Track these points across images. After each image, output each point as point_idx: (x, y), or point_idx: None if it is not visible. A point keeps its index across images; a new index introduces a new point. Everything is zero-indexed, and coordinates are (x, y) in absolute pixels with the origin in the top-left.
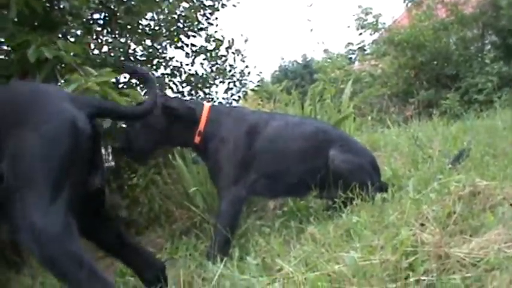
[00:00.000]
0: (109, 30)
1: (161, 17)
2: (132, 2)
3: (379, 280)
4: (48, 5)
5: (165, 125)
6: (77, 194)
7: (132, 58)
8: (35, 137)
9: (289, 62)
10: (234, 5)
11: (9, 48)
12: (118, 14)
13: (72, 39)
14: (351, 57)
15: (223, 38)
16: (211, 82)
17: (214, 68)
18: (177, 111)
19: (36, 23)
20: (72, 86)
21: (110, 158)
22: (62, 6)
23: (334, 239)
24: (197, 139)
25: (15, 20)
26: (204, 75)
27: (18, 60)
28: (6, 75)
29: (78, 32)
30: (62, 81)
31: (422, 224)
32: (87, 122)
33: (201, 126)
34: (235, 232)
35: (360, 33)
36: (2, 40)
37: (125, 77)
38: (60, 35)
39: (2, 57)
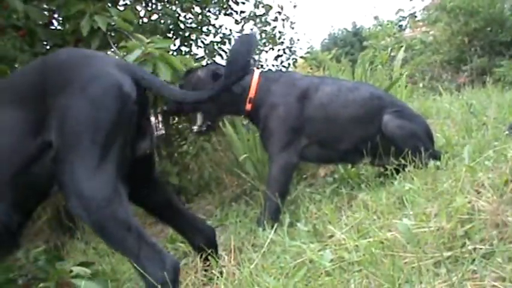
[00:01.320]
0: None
1: None
2: None
3: (434, 248)
4: None
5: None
6: (125, 159)
7: (181, 26)
8: (80, 101)
9: (339, 30)
10: None
11: (61, 18)
12: None
13: (122, 8)
14: (401, 25)
15: (272, 3)
16: (261, 49)
17: (263, 35)
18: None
19: None
20: (135, 53)
21: (160, 125)
22: None
23: (387, 206)
24: (248, 106)
25: None
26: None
27: (72, 30)
28: (60, 44)
29: (128, 1)
30: (115, 48)
31: (478, 192)
32: (133, 87)
33: (252, 93)
34: (285, 198)
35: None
36: (54, 8)
37: (174, 44)
38: (110, 4)
39: (54, 27)
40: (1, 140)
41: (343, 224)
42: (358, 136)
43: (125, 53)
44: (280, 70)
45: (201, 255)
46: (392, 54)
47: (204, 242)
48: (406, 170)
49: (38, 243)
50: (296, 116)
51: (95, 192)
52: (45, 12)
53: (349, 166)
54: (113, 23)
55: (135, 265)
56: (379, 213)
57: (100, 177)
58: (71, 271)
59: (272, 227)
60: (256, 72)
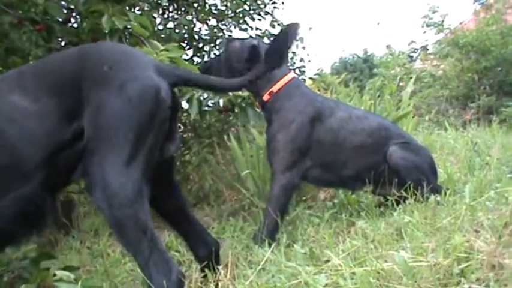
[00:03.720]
0: (175, 6)
1: None
2: None
3: (429, 283)
4: None
5: (247, 66)
6: (153, 161)
7: (196, 36)
8: (118, 97)
9: (350, 55)
10: None
11: (79, 17)
12: None
13: (139, 13)
14: (412, 56)
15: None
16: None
17: None
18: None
19: None
20: None
21: None
22: None
23: (385, 236)
24: (266, 97)
25: None
26: None
27: (89, 29)
28: (75, 42)
29: (146, 7)
30: None
31: (476, 231)
32: (169, 92)
33: (276, 87)
34: (284, 217)
35: (424, 32)
36: (72, 7)
37: (187, 54)
38: (127, 8)
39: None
40: (35, 124)
41: (340, 249)
42: (362, 164)
43: None
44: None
45: (201, 267)
46: (401, 84)
47: (208, 254)
48: (407, 202)
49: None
50: (305, 137)
51: (121, 189)
52: (64, 10)
53: (350, 192)
54: (129, 27)
55: (141, 269)
56: (377, 243)
57: (128, 175)
58: (55, 274)
59: (269, 245)
60: (292, 75)
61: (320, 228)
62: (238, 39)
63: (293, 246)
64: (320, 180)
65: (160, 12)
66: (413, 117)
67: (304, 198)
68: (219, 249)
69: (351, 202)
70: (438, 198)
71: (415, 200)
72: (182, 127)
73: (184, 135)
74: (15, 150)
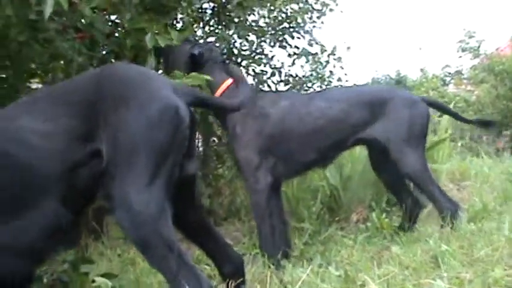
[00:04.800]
0: (217, 21)
1: (269, 14)
2: None
3: None
4: None
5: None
6: (173, 179)
7: (235, 51)
8: (139, 117)
9: (383, 75)
10: (341, 11)
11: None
12: (228, 6)
13: (179, 25)
14: (445, 80)
15: (324, 45)
16: (309, 86)
17: (314, 73)
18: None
19: (148, 6)
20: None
21: (199, 146)
22: None
23: (421, 264)
24: None
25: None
26: (304, 78)
27: (131, 46)
28: (117, 51)
29: (185, 20)
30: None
31: None
32: (187, 111)
33: (218, 93)
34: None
35: (460, 56)
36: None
37: None
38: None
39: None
40: (50, 144)
41: (376, 274)
42: (324, 146)
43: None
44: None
45: (228, 282)
46: None
47: (232, 270)
48: (442, 230)
49: None
50: (256, 136)
51: (144, 208)
52: (110, 23)
53: (383, 216)
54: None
55: (170, 285)
56: (413, 270)
57: (150, 194)
58: (93, 281)
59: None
60: (230, 80)
61: (354, 250)
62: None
63: (327, 268)
64: (288, 174)
65: (202, 25)
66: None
67: (337, 219)
68: (243, 264)
69: (384, 226)
70: (473, 227)
71: (451, 228)
72: (217, 141)
73: (218, 149)
74: (28, 170)
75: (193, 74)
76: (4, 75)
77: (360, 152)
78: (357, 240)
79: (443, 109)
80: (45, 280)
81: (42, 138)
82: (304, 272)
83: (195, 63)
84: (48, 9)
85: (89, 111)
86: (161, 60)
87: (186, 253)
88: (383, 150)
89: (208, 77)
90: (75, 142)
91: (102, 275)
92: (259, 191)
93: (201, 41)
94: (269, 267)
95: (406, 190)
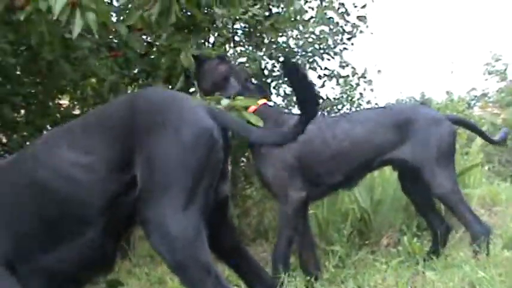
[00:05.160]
0: (248, 42)
1: (300, 36)
2: (277, 16)
3: None
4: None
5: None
6: (208, 202)
7: (265, 72)
8: (173, 141)
9: (407, 97)
10: (371, 33)
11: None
12: (260, 27)
13: (210, 45)
14: (469, 103)
15: (355, 68)
16: (339, 108)
17: (344, 95)
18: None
19: (180, 25)
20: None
21: (228, 165)
22: (207, 11)
23: None
24: None
25: None
26: (334, 100)
27: (167, 66)
28: (149, 71)
29: (217, 40)
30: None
31: None
32: (220, 133)
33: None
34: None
35: (486, 79)
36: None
37: None
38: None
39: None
40: (89, 176)
41: None
42: (349, 168)
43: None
44: None
45: None
46: (458, 131)
47: None
48: (478, 256)
49: None
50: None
51: (180, 233)
52: (145, 43)
53: (414, 240)
54: None
55: None
56: None
57: (186, 218)
58: None
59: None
60: (261, 101)
61: (386, 275)
62: (211, 60)
63: None
64: (314, 196)
65: (233, 45)
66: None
67: (367, 242)
68: (275, 286)
69: (416, 250)
70: (507, 253)
71: (487, 254)
72: (245, 161)
73: (247, 170)
74: (71, 202)
75: (241, 98)
76: (34, 91)
77: (391, 174)
78: (389, 264)
79: (469, 127)
80: None
81: (83, 170)
82: None
83: (225, 82)
84: (76, 30)
85: (125, 138)
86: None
87: (222, 276)
88: (412, 172)
89: (262, 101)
90: (115, 171)
91: None
92: (290, 204)
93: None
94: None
95: (435, 212)
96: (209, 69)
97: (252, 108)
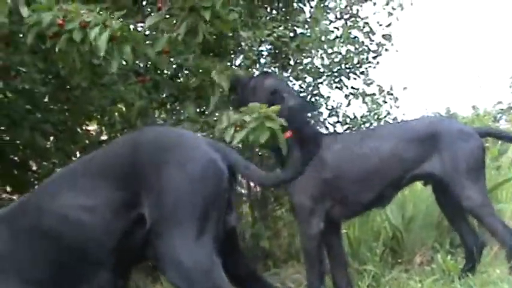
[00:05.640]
0: (274, 63)
1: (327, 56)
2: (302, 37)
3: None
4: None
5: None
6: (219, 233)
7: None
8: (180, 176)
9: (432, 113)
10: (396, 50)
11: (186, 73)
12: (285, 48)
13: (237, 68)
14: (496, 116)
15: (381, 86)
16: (366, 126)
17: (371, 113)
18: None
19: (206, 49)
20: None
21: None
22: (232, 34)
23: None
24: None
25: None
26: (361, 118)
27: (195, 87)
28: (176, 95)
29: (243, 62)
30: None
31: None
32: (225, 165)
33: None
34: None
35: None
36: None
37: None
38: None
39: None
40: (99, 215)
41: None
42: (381, 185)
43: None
44: None
45: None
46: (487, 144)
47: None
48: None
49: None
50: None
51: (195, 264)
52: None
53: (448, 257)
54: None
55: None
56: None
57: (199, 250)
58: None
59: None
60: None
61: None
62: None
63: None
64: (346, 215)
65: (259, 67)
66: None
67: (399, 261)
68: None
69: (450, 268)
70: None
71: None
72: None
73: (276, 191)
74: (79, 246)
75: (271, 108)
76: (63, 118)
77: (422, 191)
78: (423, 283)
79: (500, 136)
80: None
81: (88, 213)
82: None
83: (275, 96)
84: (115, 64)
85: (128, 178)
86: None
87: None
88: (442, 186)
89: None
90: (120, 211)
91: None
92: (310, 236)
93: None
94: None
95: (468, 227)
96: (257, 86)
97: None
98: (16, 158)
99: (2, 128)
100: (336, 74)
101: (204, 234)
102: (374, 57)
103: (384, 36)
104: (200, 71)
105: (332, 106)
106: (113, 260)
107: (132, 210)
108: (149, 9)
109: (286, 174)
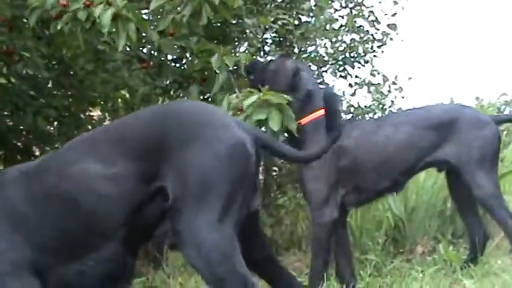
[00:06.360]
0: (278, 51)
1: (331, 44)
2: (307, 25)
3: None
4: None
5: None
6: (241, 215)
7: None
8: (208, 155)
9: (436, 104)
10: (402, 40)
11: (190, 56)
12: (290, 36)
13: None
14: (499, 108)
15: (386, 76)
16: (371, 116)
17: (375, 102)
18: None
19: (210, 35)
20: (252, 98)
21: (260, 174)
22: (237, 21)
23: None
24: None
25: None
26: (365, 108)
27: (200, 69)
28: (179, 81)
29: (247, 49)
30: (238, 92)
31: None
32: (254, 147)
33: (305, 120)
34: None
35: None
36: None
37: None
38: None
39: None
40: (112, 188)
41: None
42: (395, 172)
43: (243, 98)
44: None
45: None
46: None
47: None
48: None
49: None
50: (329, 168)
51: (215, 246)
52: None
53: (450, 248)
54: (236, 67)
55: None
56: None
57: (221, 232)
58: None
59: None
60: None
61: (423, 283)
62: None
63: None
64: (359, 202)
65: (263, 55)
66: None
67: (401, 250)
68: None
69: (452, 258)
70: None
71: None
72: (277, 171)
73: (279, 179)
74: (93, 214)
75: (273, 93)
76: (66, 104)
77: (425, 181)
78: (425, 272)
79: None
80: None
81: (106, 182)
82: None
83: (296, 78)
84: (121, 42)
85: (153, 150)
86: (251, 77)
87: (259, 286)
88: (454, 173)
89: (289, 98)
90: (139, 183)
91: None
92: (323, 225)
93: None
94: None
95: (476, 217)
96: (278, 68)
97: (315, 115)
98: (19, 144)
99: (5, 113)
100: (340, 62)
101: (227, 216)
102: (379, 47)
103: (389, 25)
104: (203, 53)
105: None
106: (124, 232)
107: (152, 183)
108: None
109: (316, 151)
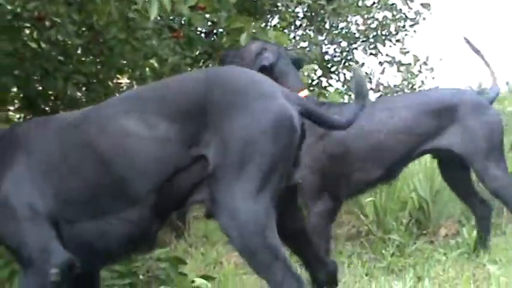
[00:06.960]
0: (309, 26)
1: (363, 21)
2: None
3: None
4: None
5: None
6: (280, 188)
7: (326, 57)
8: (253, 126)
9: (464, 87)
10: (435, 20)
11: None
12: (322, 12)
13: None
14: None
15: (417, 56)
16: (399, 95)
17: (405, 82)
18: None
19: (241, 8)
20: None
21: None
22: None
23: None
24: None
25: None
26: (395, 87)
27: (228, 46)
28: (209, 52)
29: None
30: None
31: None
32: (300, 120)
33: None
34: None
35: None
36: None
37: (315, 74)
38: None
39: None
40: (151, 151)
41: None
42: (387, 162)
43: None
44: None
45: None
46: None
47: (326, 277)
48: None
49: None
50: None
51: (251, 217)
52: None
53: (474, 232)
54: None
55: None
56: None
57: (258, 203)
58: (193, 281)
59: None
60: (304, 92)
61: (446, 266)
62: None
63: (419, 281)
64: (350, 194)
65: (294, 29)
66: None
67: (424, 232)
68: (337, 271)
69: (475, 241)
70: None
71: None
72: None
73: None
74: (126, 175)
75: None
76: (95, 70)
77: None
78: (448, 256)
79: None
80: (141, 276)
81: (145, 143)
82: (398, 285)
83: (266, 71)
84: (154, 11)
85: (195, 115)
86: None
87: (290, 260)
88: (455, 160)
89: (304, 93)
90: (179, 147)
91: (201, 277)
92: (319, 214)
93: (290, 46)
94: (362, 277)
95: (479, 198)
96: (244, 50)
97: None
98: (47, 108)
99: (35, 77)
100: (371, 40)
101: (266, 188)
102: (411, 26)
103: (422, 4)
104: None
105: (366, 72)
106: (155, 197)
107: (193, 149)
108: None
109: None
